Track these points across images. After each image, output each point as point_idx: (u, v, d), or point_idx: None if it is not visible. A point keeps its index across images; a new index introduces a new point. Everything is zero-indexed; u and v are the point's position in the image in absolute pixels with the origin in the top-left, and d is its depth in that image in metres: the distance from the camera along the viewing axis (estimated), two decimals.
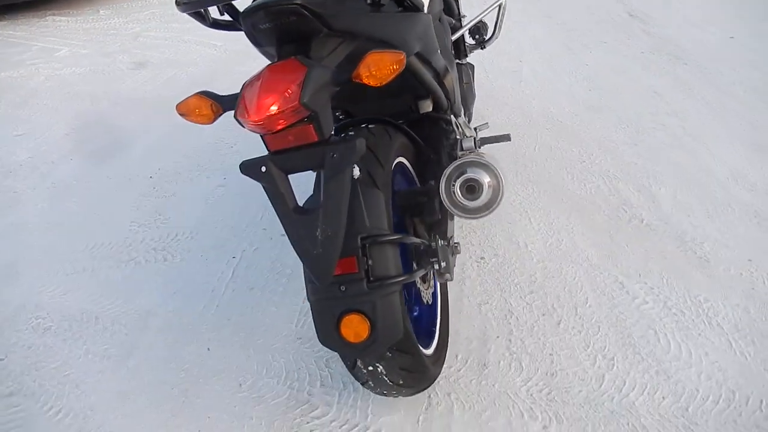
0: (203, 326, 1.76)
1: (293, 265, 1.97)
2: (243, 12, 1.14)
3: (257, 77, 1.05)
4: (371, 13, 1.23)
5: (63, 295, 1.94)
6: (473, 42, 2.41)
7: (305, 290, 1.20)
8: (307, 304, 1.76)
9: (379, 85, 1.03)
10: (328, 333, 1.12)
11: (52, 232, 2.29)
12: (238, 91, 1.08)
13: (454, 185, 1.25)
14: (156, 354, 1.68)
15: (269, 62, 1.35)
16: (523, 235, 2.05)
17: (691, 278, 1.81)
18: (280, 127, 1.01)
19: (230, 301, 1.85)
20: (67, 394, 1.58)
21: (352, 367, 1.24)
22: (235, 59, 3.95)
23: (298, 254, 1.07)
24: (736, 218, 2.08)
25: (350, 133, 1.27)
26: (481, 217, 1.27)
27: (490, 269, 1.90)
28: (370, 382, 1.26)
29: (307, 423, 1.44)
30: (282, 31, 1.12)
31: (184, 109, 1.13)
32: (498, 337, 1.64)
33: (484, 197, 1.24)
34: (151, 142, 2.92)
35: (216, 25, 1.38)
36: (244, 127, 1.05)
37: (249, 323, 1.75)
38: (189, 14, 1.23)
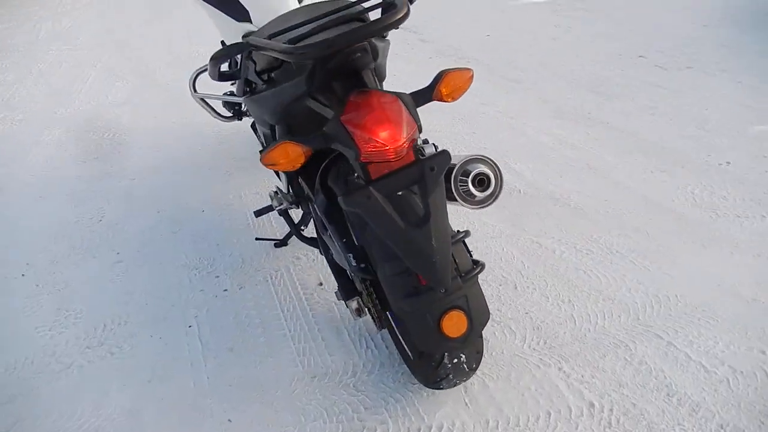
0: (207, 401, 1.66)
1: (259, 315, 1.94)
2: (317, 58, 1.17)
3: (358, 111, 1.13)
4: (379, 41, 1.36)
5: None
6: None
7: (387, 306, 1.29)
8: (302, 344, 1.82)
9: (452, 101, 1.18)
10: (431, 336, 1.23)
11: None
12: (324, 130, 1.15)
13: (465, 182, 1.39)
14: None
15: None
16: None
17: (580, 225, 2.28)
18: (404, 153, 1.11)
19: (219, 369, 1.76)
20: None
21: (437, 367, 1.36)
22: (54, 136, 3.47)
23: (415, 267, 1.17)
24: (578, 170, 2.64)
25: None
26: (490, 204, 1.44)
27: None
28: (450, 375, 1.39)
29: None
30: (342, 69, 1.20)
31: (271, 160, 1.18)
32: None
33: (492, 187, 1.41)
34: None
35: (222, 76, 1.37)
36: (355, 159, 1.11)
37: (254, 381, 1.71)
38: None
